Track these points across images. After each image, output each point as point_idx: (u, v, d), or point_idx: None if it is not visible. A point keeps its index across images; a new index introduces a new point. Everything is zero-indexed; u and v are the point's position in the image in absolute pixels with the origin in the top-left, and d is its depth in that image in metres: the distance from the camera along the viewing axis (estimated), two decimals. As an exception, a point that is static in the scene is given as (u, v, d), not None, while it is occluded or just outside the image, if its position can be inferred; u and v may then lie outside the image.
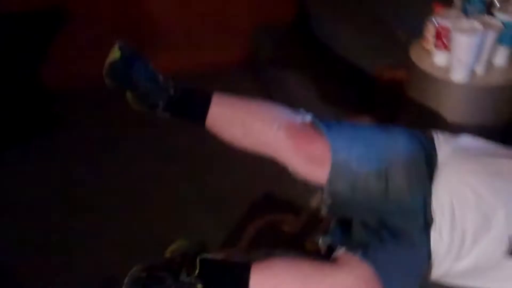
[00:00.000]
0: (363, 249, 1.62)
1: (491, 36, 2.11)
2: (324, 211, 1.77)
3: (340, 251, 1.64)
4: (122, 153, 2.65)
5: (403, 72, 2.38)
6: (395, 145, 1.76)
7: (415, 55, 2.27)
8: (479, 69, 2.16)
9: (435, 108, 2.20)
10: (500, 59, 2.21)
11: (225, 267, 1.60)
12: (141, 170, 2.53)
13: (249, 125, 1.76)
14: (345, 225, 1.77)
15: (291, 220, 2.15)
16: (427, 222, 1.69)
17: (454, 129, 2.13)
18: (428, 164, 1.75)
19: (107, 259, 2.06)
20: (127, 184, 2.45)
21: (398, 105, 2.42)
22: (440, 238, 1.68)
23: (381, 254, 1.65)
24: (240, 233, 2.10)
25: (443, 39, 2.16)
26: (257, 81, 3.14)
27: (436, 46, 2.20)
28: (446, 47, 2.15)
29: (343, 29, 2.87)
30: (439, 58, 2.20)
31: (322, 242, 1.71)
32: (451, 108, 2.18)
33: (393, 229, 1.70)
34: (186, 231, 2.07)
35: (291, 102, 2.78)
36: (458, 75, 2.10)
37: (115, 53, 1.74)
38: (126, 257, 2.01)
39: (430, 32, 2.26)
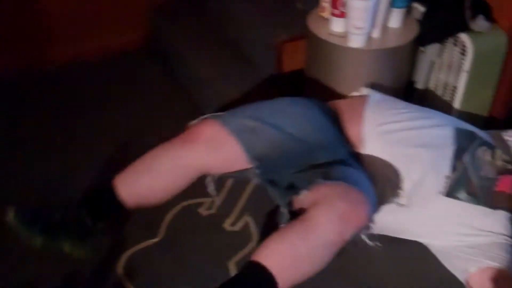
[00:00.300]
0: (322, 177, 1.62)
1: (384, 0, 2.14)
2: (257, 181, 1.76)
3: (303, 197, 1.61)
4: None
5: (303, 43, 2.39)
6: (281, 101, 1.83)
7: (312, 24, 2.28)
8: (375, 33, 2.20)
9: (337, 75, 2.23)
10: (394, 21, 2.26)
11: (236, 279, 1.52)
12: (51, 167, 2.43)
13: (156, 165, 1.75)
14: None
15: (207, 203, 2.14)
16: (349, 151, 1.79)
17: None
18: (322, 110, 1.84)
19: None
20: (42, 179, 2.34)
21: (301, 76, 2.44)
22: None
23: (338, 172, 1.67)
24: (159, 224, 2.07)
25: (338, 6, 2.17)
26: (160, 62, 3.09)
27: (332, 13, 2.21)
28: (342, 14, 2.17)
29: (241, 3, 2.84)
30: (336, 25, 2.22)
31: (281, 217, 1.68)
32: (352, 74, 2.22)
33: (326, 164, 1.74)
34: (109, 231, 2.02)
35: (195, 82, 2.78)
36: (355, 41, 2.13)
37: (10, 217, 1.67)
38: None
39: (326, 0, 2.28)
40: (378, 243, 1.76)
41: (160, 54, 3.12)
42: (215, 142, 1.71)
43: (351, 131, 1.87)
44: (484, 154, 1.87)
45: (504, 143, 2.01)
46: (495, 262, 1.76)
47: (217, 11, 3.00)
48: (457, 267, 1.85)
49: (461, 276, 1.82)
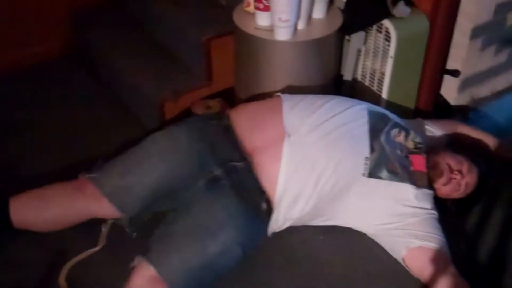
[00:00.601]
0: (145, 252, 1.78)
1: (307, -9, 2.16)
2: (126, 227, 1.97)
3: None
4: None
5: (230, 39, 2.39)
6: (147, 142, 1.98)
7: (238, 20, 2.28)
8: (301, 25, 2.22)
9: (265, 69, 2.24)
10: (318, 12, 2.29)
11: None
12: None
13: (52, 200, 1.94)
14: None
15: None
16: (213, 177, 1.90)
17: (287, 86, 2.20)
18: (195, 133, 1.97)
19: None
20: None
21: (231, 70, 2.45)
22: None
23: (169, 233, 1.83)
24: (98, 232, 2.04)
25: (262, 0, 2.17)
26: (86, 69, 3.02)
27: (256, 8, 2.21)
28: (266, 8, 2.17)
29: (164, 3, 2.81)
30: (262, 19, 2.22)
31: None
32: (280, 67, 2.24)
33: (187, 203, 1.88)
34: (45, 241, 1.98)
35: (124, 86, 2.74)
36: (282, 34, 2.14)
37: None
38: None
39: (249, -5, 2.28)
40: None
41: (86, 60, 3.06)
42: (93, 201, 1.90)
43: (258, 134, 1.95)
44: (397, 134, 1.95)
45: (421, 128, 2.10)
46: (423, 241, 1.83)
47: (141, 13, 2.96)
48: (392, 250, 1.91)
49: (397, 258, 1.88)
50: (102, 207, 1.91)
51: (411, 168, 1.92)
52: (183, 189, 1.90)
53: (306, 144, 1.87)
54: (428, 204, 1.92)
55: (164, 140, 1.98)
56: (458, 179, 1.95)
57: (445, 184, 1.96)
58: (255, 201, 1.87)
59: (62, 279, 1.86)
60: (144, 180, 1.89)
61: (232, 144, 1.96)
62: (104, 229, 2.00)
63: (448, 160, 1.96)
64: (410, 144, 1.97)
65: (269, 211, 1.88)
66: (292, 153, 1.86)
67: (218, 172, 1.90)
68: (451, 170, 1.95)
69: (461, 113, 2.63)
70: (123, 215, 1.93)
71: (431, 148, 2.04)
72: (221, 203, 1.83)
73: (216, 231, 1.76)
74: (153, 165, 1.90)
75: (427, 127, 2.20)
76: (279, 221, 1.91)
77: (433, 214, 1.91)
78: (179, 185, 1.90)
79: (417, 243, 1.82)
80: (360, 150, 1.88)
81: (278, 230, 1.95)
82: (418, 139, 1.99)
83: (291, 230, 1.99)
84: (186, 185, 1.90)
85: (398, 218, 1.89)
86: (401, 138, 1.96)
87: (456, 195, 2.00)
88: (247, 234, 1.81)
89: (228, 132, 1.99)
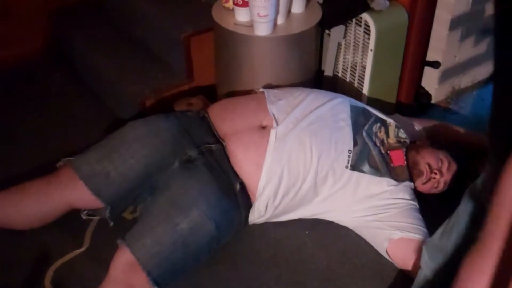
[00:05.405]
0: (122, 236, 1.78)
1: (285, -14, 2.16)
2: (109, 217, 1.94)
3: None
4: None
5: (210, 35, 2.38)
6: (125, 129, 2.00)
7: (217, 16, 2.28)
8: (280, 20, 2.22)
9: (245, 65, 2.24)
10: (297, 7, 2.29)
11: None
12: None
13: (28, 195, 1.92)
14: None
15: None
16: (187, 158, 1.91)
17: (268, 82, 2.20)
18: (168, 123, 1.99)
19: None
20: None
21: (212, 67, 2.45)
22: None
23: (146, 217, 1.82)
24: (83, 233, 2.03)
25: (241, -4, 2.17)
26: (66, 69, 2.99)
27: (235, 4, 2.21)
28: (245, 3, 2.17)
29: (140, 1, 2.80)
30: (241, 15, 2.22)
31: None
32: (260, 62, 2.24)
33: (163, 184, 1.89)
34: (30, 241, 1.97)
35: (105, 85, 2.73)
36: (261, 29, 2.14)
37: None
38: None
39: (227, -9, 2.28)
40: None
41: (65, 61, 3.03)
42: (70, 186, 1.90)
43: (237, 122, 1.97)
44: (378, 130, 1.96)
45: (402, 122, 2.11)
46: (405, 232, 1.84)
47: (120, 10, 2.94)
48: (375, 242, 1.92)
49: (381, 250, 1.89)
50: (78, 193, 1.89)
51: (392, 165, 1.93)
52: (160, 173, 1.91)
53: (290, 136, 1.88)
54: (408, 196, 1.93)
55: (142, 126, 1.98)
56: (438, 178, 1.97)
57: (424, 183, 1.98)
58: (230, 181, 1.89)
59: (47, 282, 1.86)
60: (121, 166, 1.89)
61: (208, 129, 1.99)
62: (88, 229, 2.00)
63: (428, 160, 1.97)
64: (391, 140, 1.98)
65: (245, 194, 1.90)
66: (276, 145, 1.87)
67: (193, 153, 1.92)
68: (431, 170, 1.96)
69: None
70: (100, 203, 1.90)
71: (413, 142, 2.05)
72: (195, 180, 1.84)
73: (189, 208, 1.77)
74: (130, 151, 1.90)
75: (407, 121, 2.21)
76: (261, 211, 1.92)
77: (414, 205, 1.93)
78: (156, 170, 1.91)
79: (399, 234, 1.84)
80: (343, 142, 1.89)
81: (261, 221, 1.97)
82: (400, 133, 2.00)
83: (277, 226, 2.00)
84: (162, 169, 1.91)
85: (378, 210, 1.91)
86: (382, 134, 1.97)
87: (435, 191, 2.02)
88: (220, 211, 1.81)
89: (205, 120, 2.03)
